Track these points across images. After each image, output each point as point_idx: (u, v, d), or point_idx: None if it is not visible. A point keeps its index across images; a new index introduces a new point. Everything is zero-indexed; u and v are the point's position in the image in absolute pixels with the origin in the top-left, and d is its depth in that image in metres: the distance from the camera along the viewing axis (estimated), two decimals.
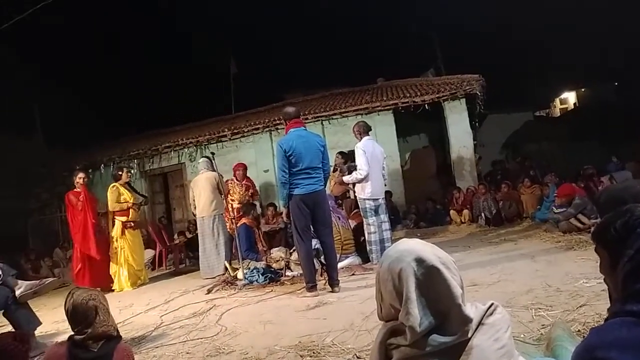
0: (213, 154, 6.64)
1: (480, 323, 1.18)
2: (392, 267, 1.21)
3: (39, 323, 3.79)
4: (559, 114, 29.47)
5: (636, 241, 1.05)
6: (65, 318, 2.01)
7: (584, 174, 7.83)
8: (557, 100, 33.69)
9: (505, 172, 12.05)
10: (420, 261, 1.17)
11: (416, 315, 1.14)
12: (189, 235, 9.68)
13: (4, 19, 7.32)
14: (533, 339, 2.41)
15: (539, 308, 2.93)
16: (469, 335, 1.16)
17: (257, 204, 7.34)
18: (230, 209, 6.84)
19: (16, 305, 3.60)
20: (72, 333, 1.97)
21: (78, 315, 1.92)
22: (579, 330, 2.36)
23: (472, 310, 1.19)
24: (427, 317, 1.15)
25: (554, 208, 6.61)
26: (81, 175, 6.81)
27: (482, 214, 8.45)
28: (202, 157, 6.82)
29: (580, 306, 2.85)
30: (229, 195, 7.02)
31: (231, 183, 7.24)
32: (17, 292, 3.59)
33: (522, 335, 2.46)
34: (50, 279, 4.08)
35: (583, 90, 29.98)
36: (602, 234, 1.15)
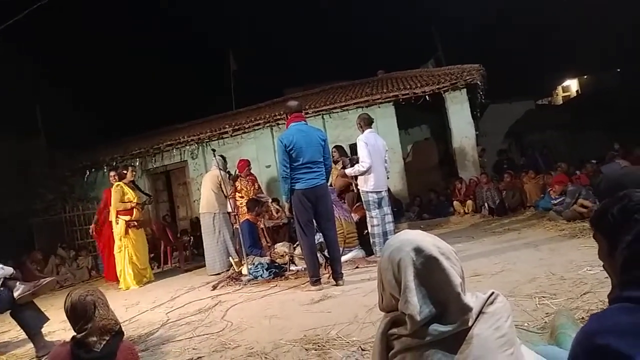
0: (214, 150, 6.65)
1: (480, 312, 1.19)
2: (392, 257, 1.22)
3: (47, 319, 3.82)
4: (561, 102, 29.29)
5: (634, 227, 1.04)
6: None
7: (609, 157, 8.14)
8: (560, 88, 33.48)
9: (511, 162, 12.03)
10: (418, 251, 1.19)
11: (415, 304, 1.15)
12: (190, 233, 9.72)
13: (4, 19, 7.31)
14: (537, 327, 2.41)
15: (543, 296, 2.93)
16: (470, 324, 1.16)
17: (269, 199, 7.36)
18: (239, 206, 6.87)
19: (21, 306, 3.63)
20: (74, 334, 1.99)
21: (78, 312, 1.96)
22: (582, 318, 2.35)
23: (472, 299, 1.19)
24: (427, 305, 1.15)
25: (552, 200, 6.63)
26: (112, 173, 7.14)
27: (486, 204, 8.43)
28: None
29: (584, 294, 2.85)
30: (237, 192, 7.05)
31: (239, 180, 7.28)
32: (15, 294, 3.61)
33: (525, 324, 2.46)
34: (48, 279, 4.09)
35: (585, 77, 29.76)
36: (599, 220, 1.15)
